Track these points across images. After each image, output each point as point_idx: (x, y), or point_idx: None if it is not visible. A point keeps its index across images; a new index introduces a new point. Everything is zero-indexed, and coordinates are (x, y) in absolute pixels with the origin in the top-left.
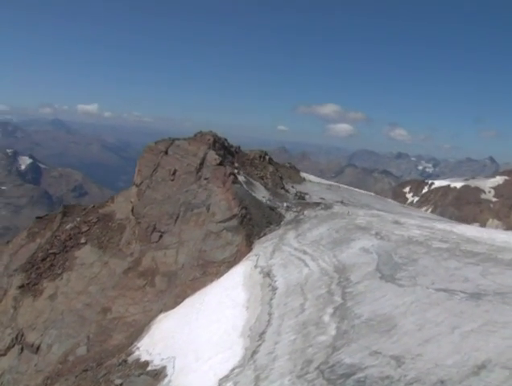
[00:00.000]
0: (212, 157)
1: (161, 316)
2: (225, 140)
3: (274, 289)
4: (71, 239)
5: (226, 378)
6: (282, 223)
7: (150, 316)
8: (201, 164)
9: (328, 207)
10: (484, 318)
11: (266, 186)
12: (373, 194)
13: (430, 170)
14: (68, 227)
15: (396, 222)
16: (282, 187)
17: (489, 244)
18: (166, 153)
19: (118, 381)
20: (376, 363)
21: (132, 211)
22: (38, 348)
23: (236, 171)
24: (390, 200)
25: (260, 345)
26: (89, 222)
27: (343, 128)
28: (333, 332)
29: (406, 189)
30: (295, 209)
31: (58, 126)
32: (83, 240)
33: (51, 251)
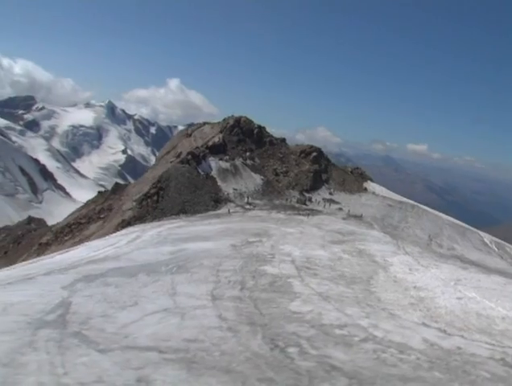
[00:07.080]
0: (214, 140)
1: None
2: (260, 127)
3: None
4: (97, 213)
5: None
6: (198, 215)
7: None
8: (203, 146)
9: (309, 214)
10: None
11: (273, 182)
12: (459, 223)
13: None
14: (106, 203)
15: (340, 241)
16: (305, 190)
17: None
18: (190, 136)
19: None
20: None
21: None
22: None
23: (226, 157)
24: (476, 233)
25: None
26: (119, 201)
27: None
28: None
29: None
30: (248, 207)
31: (388, 163)
32: (102, 216)
33: (79, 220)
